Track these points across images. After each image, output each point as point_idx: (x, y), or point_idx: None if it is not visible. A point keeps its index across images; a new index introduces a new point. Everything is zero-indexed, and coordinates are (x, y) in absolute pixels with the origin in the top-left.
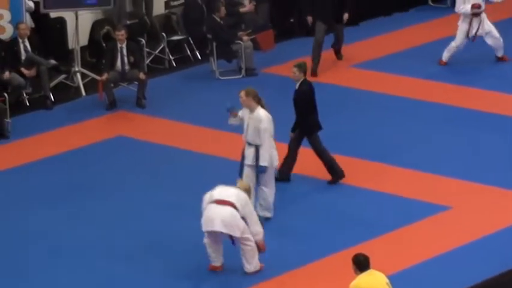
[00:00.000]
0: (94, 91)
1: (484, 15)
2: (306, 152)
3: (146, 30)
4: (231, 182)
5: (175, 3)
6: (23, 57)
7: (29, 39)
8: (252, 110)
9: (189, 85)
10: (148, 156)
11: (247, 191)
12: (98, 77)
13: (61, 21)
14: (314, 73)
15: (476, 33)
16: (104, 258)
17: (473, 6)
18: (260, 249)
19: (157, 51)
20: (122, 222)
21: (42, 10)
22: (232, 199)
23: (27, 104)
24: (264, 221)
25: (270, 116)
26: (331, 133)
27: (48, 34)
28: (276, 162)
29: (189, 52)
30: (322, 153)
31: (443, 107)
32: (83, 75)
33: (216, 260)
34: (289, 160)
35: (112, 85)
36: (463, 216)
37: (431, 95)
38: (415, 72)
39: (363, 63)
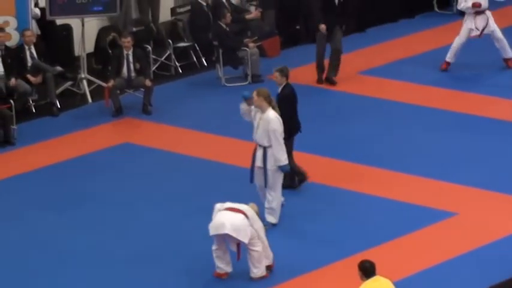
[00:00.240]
0: (100, 98)
1: (489, 13)
2: (311, 159)
3: (152, 37)
4: (237, 188)
5: (182, 10)
6: (29, 64)
7: (35, 46)
8: (263, 111)
9: (195, 92)
10: (155, 162)
11: (257, 213)
12: (104, 84)
13: (67, 28)
14: (320, 81)
15: (483, 30)
16: (110, 265)
17: (474, 5)
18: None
19: (163, 58)
20: (128, 228)
21: (49, 17)
22: (243, 208)
23: (34, 110)
24: (270, 226)
25: (279, 118)
26: (337, 139)
27: (54, 41)
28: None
29: (195, 59)
30: (289, 158)
31: (450, 113)
32: (89, 82)
33: (223, 269)
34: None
35: (118, 92)
36: (469, 222)
37: (438, 101)
38: (422, 79)
39: (370, 70)
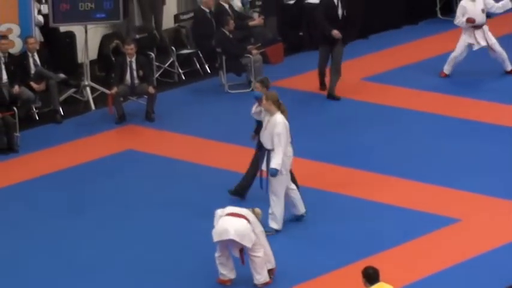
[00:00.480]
0: (103, 105)
1: (486, 28)
2: (315, 165)
3: (155, 44)
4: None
5: (185, 17)
6: (33, 71)
7: (38, 53)
8: (271, 114)
9: (198, 99)
10: (158, 170)
11: (258, 216)
12: (107, 91)
13: (70, 36)
14: (322, 87)
15: (488, 43)
16: (112, 272)
17: (468, 21)
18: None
19: (166, 65)
20: (131, 235)
21: (52, 24)
22: (244, 213)
23: (37, 118)
24: (274, 232)
25: (286, 122)
26: (340, 146)
27: (57, 48)
28: (285, 172)
29: (198, 66)
30: (254, 166)
31: (453, 119)
32: (93, 89)
33: (226, 276)
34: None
35: (121, 99)
36: (473, 228)
37: (441, 107)
38: (425, 85)
39: (373, 76)
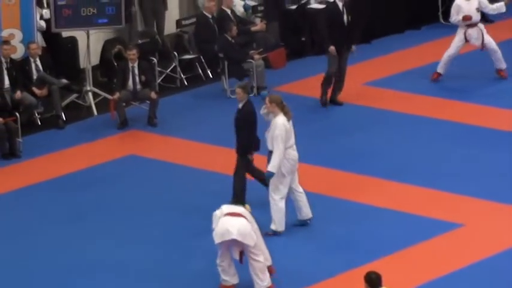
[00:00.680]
0: (106, 110)
1: (481, 26)
2: (317, 170)
3: (158, 49)
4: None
5: (187, 22)
6: (35, 76)
7: (40, 58)
8: (274, 116)
9: (200, 104)
10: (160, 175)
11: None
12: (109, 96)
13: (72, 41)
14: (324, 105)
15: (483, 41)
16: (116, 277)
17: (465, 18)
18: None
19: (168, 70)
20: (134, 240)
21: (54, 29)
22: (240, 211)
23: (39, 123)
24: (272, 234)
25: (286, 124)
26: (343, 151)
27: (59, 53)
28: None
29: (200, 71)
30: (240, 178)
31: (456, 125)
32: (95, 95)
33: (229, 281)
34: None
35: (124, 104)
36: (476, 233)
37: (444, 112)
38: (428, 90)
39: (376, 81)
